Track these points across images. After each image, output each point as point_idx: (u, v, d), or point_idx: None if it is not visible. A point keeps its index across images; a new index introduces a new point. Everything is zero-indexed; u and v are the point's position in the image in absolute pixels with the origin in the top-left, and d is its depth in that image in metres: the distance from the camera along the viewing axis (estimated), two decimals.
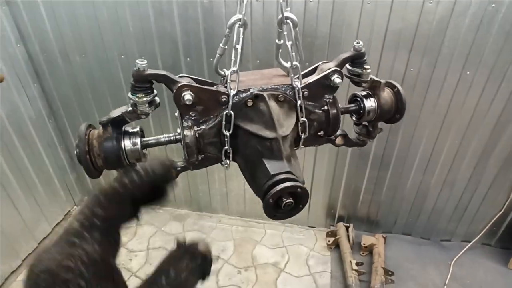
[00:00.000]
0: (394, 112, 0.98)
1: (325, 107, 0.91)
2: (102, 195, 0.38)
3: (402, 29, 1.97)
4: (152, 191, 0.45)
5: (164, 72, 0.84)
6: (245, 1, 0.84)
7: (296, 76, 0.86)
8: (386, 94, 0.97)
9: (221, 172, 2.88)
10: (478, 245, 2.71)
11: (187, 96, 0.81)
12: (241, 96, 0.84)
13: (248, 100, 0.83)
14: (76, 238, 0.35)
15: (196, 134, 0.84)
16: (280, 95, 0.84)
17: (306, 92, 0.87)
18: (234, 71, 0.83)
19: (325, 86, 0.90)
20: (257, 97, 0.83)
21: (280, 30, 0.90)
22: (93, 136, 0.84)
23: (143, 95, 0.82)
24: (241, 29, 0.86)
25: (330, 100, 0.91)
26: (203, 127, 0.85)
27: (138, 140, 0.87)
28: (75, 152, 0.83)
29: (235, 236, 2.91)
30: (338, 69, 0.90)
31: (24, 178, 2.61)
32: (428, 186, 2.59)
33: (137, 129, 0.91)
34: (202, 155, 0.90)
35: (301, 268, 2.61)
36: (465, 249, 2.68)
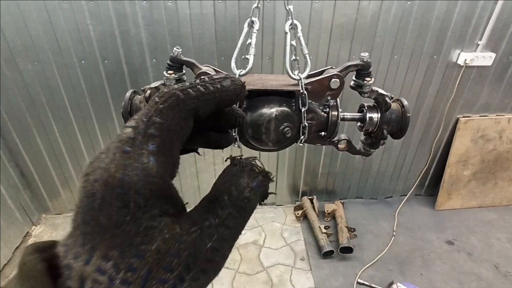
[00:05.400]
0: (398, 128, 1.01)
1: (327, 109, 0.99)
2: (160, 100, 0.29)
3: (344, 24, 2.35)
4: (218, 115, 0.36)
5: (193, 60, 1.07)
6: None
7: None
8: (395, 108, 1.00)
9: (192, 167, 3.00)
10: (413, 196, 3.35)
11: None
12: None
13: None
14: (130, 147, 0.26)
15: None
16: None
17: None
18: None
19: (326, 88, 0.99)
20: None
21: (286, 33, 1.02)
22: (136, 99, 1.05)
23: (172, 73, 1.05)
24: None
25: (333, 104, 0.99)
26: None
27: None
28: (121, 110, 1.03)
29: None
30: (339, 73, 0.97)
31: None
32: (372, 154, 3.09)
33: None
34: None
35: (278, 241, 2.91)
36: (403, 201, 3.28)
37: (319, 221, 2.98)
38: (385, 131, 1.04)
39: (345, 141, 1.07)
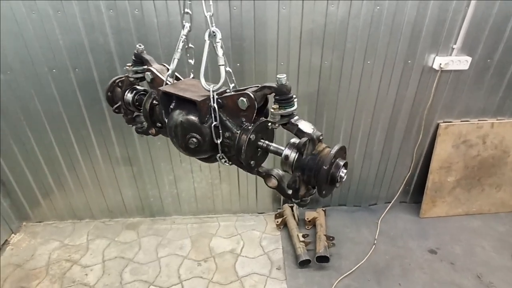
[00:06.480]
0: (314, 180, 0.80)
1: (239, 130, 0.87)
2: None
3: (313, 29, 2.33)
4: None
5: (148, 58, 1.22)
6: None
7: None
8: (322, 154, 0.81)
9: (170, 175, 2.98)
10: (397, 203, 3.27)
11: (147, 76, 1.17)
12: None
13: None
14: None
15: (152, 105, 1.14)
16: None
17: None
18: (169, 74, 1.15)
19: (239, 107, 0.86)
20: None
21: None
22: (117, 83, 1.33)
23: (130, 65, 1.24)
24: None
25: (245, 127, 0.86)
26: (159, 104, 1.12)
27: (132, 94, 1.29)
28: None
29: (191, 233, 3.04)
30: (248, 93, 0.84)
31: None
32: (352, 160, 3.04)
33: (141, 89, 1.34)
34: (160, 126, 1.16)
35: (256, 250, 2.86)
36: (387, 208, 3.20)
37: (298, 229, 2.92)
38: (289, 186, 0.83)
39: (274, 178, 0.90)
